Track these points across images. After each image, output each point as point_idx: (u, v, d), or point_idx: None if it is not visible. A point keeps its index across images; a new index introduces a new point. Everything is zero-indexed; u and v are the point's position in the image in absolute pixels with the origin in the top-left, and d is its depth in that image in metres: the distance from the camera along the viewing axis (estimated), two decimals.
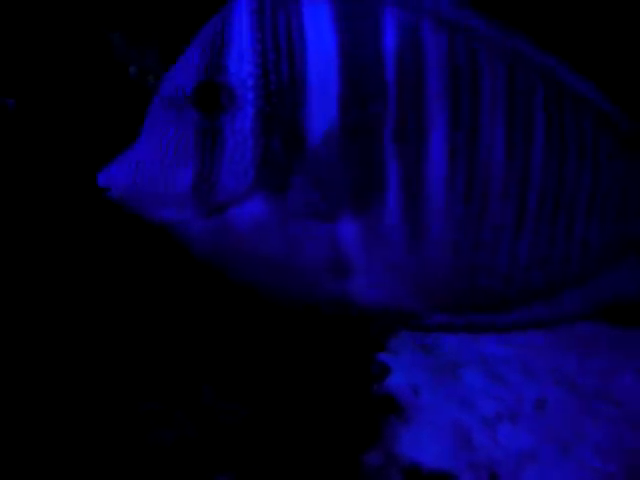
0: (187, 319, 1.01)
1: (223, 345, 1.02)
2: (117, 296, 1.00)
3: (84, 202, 0.98)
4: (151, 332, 1.01)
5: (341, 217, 0.63)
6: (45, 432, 0.92)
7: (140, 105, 0.71)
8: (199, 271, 0.71)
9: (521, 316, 0.69)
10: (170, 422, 0.95)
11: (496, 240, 0.66)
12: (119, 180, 0.62)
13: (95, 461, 0.92)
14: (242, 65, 0.60)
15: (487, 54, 0.66)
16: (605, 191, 0.70)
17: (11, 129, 1.01)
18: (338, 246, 0.64)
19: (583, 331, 1.08)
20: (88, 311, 1.00)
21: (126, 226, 0.76)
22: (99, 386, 0.97)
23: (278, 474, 0.92)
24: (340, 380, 0.98)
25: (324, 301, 0.66)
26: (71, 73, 1.09)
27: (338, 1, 0.63)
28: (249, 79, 0.60)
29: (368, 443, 0.91)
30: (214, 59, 0.61)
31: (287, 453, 0.93)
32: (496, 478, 0.90)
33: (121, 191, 0.62)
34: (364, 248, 0.64)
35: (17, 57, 1.11)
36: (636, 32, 1.05)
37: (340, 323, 0.70)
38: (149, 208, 0.63)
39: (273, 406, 0.96)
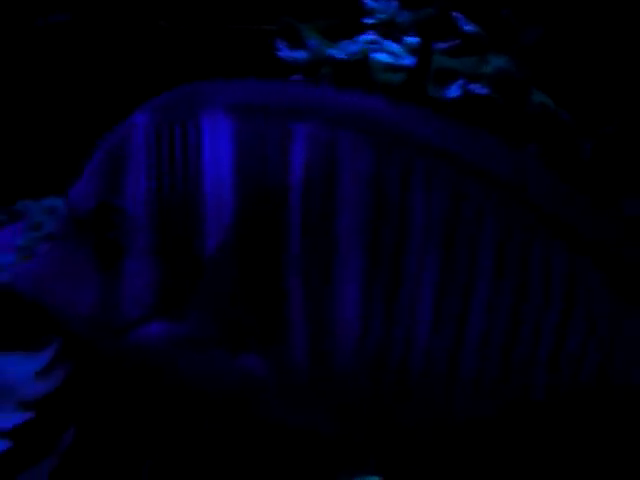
0: None
1: None
2: None
3: None
4: None
5: (244, 349, 0.59)
6: None
7: None
8: None
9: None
10: None
11: (425, 390, 0.58)
12: (28, 287, 0.62)
13: None
14: (137, 189, 0.58)
15: (423, 169, 0.56)
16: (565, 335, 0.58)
17: None
18: (243, 375, 0.60)
19: None
20: None
21: None
22: None
23: None
24: None
25: (242, 417, 0.65)
26: None
27: (241, 118, 0.57)
28: (144, 203, 0.58)
29: None
30: (112, 182, 0.59)
31: None
32: None
33: (32, 297, 0.63)
34: (272, 379, 0.60)
35: None
36: None
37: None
38: (59, 319, 0.63)
39: None
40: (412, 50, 0.77)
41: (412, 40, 0.79)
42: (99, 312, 0.59)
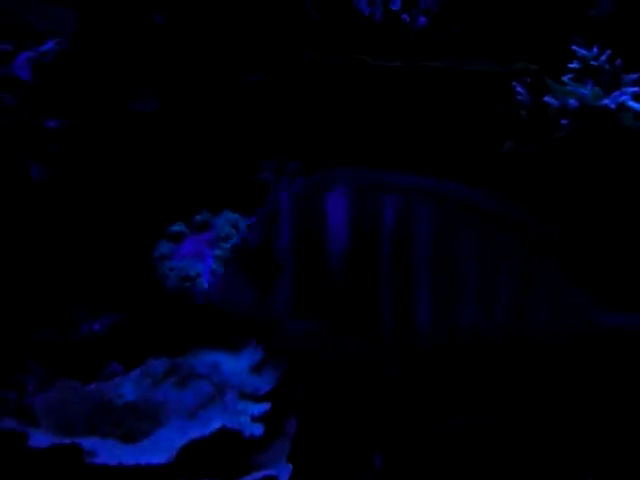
0: None
1: None
2: None
3: None
4: None
5: (353, 335, 0.91)
6: None
7: None
8: None
9: None
10: None
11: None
12: (214, 295, 0.95)
13: None
14: (285, 237, 0.91)
15: (466, 225, 0.90)
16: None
17: None
18: (355, 352, 0.91)
19: None
20: None
21: None
22: None
23: None
24: None
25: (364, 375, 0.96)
26: None
27: (351, 194, 0.91)
28: (289, 245, 0.91)
29: None
30: (269, 234, 0.92)
31: None
32: None
33: (216, 303, 0.95)
34: (373, 353, 0.91)
35: None
36: None
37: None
38: (234, 317, 0.94)
39: None
40: None
41: None
42: (262, 314, 0.92)
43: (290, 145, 1.48)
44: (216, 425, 1.01)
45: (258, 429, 1.04)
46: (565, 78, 1.09)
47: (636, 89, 0.95)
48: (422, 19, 1.41)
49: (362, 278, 0.90)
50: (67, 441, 0.93)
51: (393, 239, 0.90)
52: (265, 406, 1.08)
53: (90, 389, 1.17)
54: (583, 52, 1.08)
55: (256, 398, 1.11)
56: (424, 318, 0.90)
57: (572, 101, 0.97)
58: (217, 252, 1.30)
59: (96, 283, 1.40)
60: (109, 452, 0.94)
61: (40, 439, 0.93)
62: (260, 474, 0.97)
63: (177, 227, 1.37)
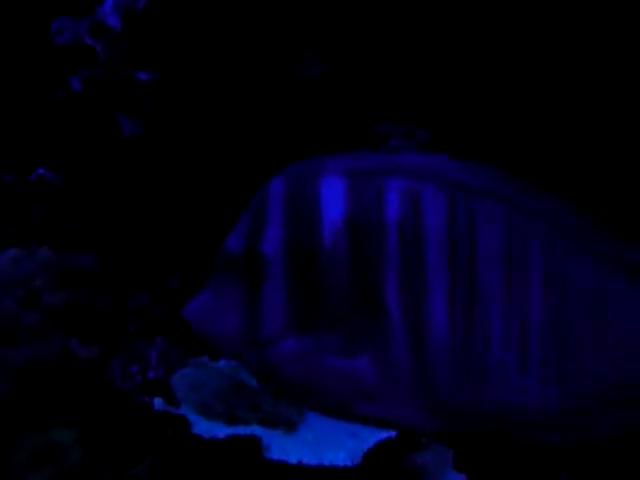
0: None
1: None
2: None
3: None
4: None
5: (356, 354, 0.75)
6: None
7: None
8: None
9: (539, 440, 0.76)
10: None
11: (502, 378, 0.75)
12: (194, 317, 0.79)
13: None
14: (273, 237, 0.76)
15: (484, 211, 0.76)
16: (615, 327, 0.75)
17: None
18: (357, 377, 0.76)
19: None
20: None
21: None
22: None
23: None
24: None
25: (355, 417, 0.77)
26: None
27: (350, 178, 0.76)
28: (279, 250, 0.76)
29: None
30: (255, 235, 0.76)
31: None
32: None
33: (196, 326, 0.79)
34: (379, 379, 0.76)
35: None
36: None
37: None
38: (215, 342, 0.78)
39: None
40: None
41: None
42: (246, 333, 0.76)
43: (420, 112, 1.39)
44: None
45: None
46: None
47: None
48: None
49: (363, 278, 0.74)
50: (244, 432, 0.84)
51: (399, 225, 0.75)
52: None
53: (221, 366, 1.08)
54: None
55: None
56: (441, 333, 0.74)
57: None
58: None
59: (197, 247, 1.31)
60: (275, 445, 0.85)
61: (205, 427, 0.84)
62: None
63: None
